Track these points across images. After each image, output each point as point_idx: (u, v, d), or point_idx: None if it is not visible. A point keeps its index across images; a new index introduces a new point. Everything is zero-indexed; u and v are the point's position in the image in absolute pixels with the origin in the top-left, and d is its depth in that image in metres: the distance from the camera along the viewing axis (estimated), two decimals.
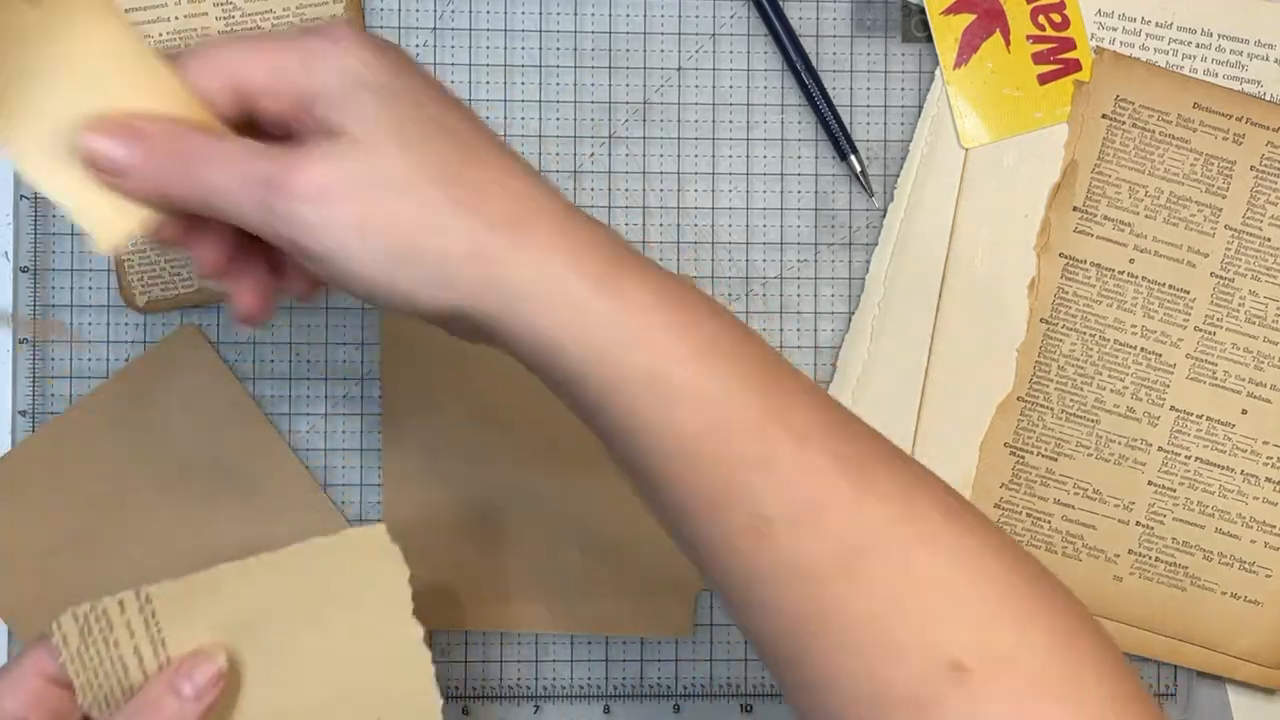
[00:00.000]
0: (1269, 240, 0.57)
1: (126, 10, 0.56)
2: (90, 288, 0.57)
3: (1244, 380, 0.57)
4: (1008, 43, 0.58)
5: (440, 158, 0.37)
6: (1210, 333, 0.57)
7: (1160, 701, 0.59)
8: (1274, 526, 0.57)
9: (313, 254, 0.37)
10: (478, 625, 0.57)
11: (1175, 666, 0.58)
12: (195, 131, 0.38)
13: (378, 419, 0.57)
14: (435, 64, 0.58)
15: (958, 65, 0.58)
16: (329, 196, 0.36)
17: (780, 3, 0.58)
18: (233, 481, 0.56)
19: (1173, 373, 0.57)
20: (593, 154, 0.58)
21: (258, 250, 0.41)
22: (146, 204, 0.39)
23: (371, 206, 0.36)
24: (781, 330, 0.58)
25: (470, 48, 0.58)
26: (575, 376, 0.37)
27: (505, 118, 0.58)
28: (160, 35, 0.56)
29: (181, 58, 0.39)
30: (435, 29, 0.58)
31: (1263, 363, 0.57)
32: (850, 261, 0.58)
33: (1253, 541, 0.57)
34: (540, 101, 0.58)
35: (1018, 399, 0.57)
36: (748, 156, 0.58)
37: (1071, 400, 0.57)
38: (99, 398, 0.55)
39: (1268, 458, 0.57)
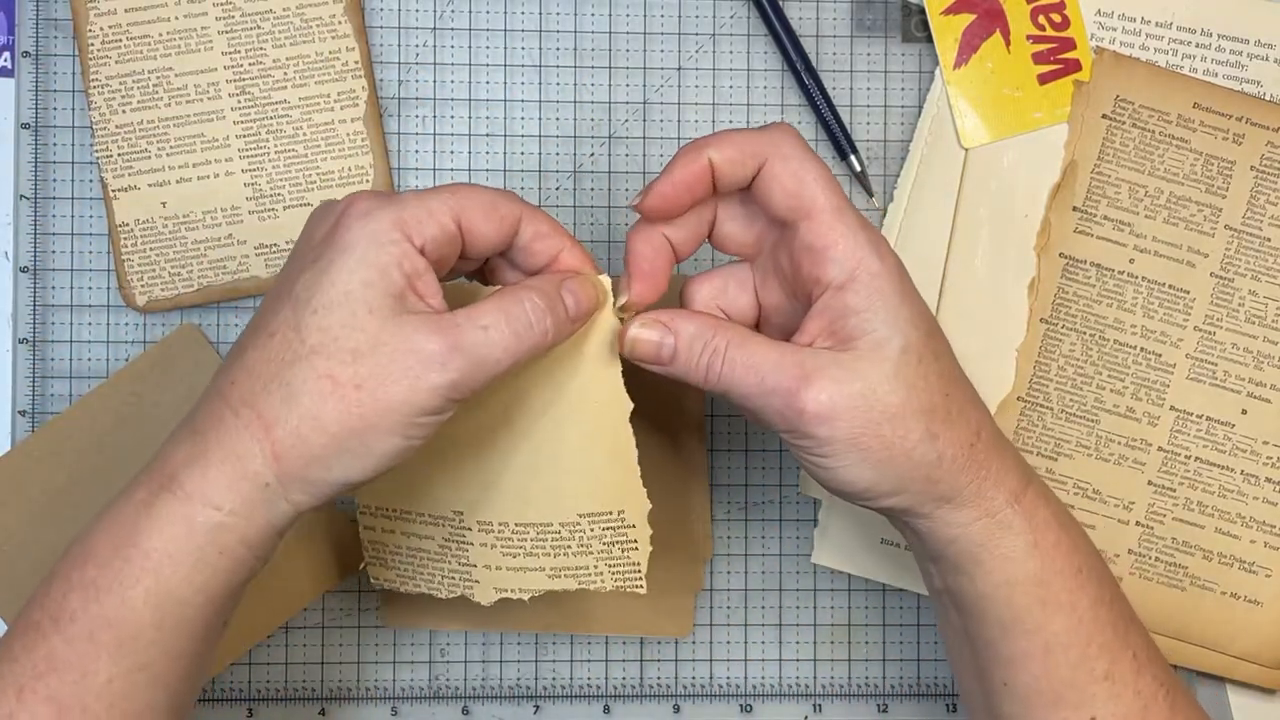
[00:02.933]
0: (1269, 240, 0.57)
1: (126, 10, 0.56)
2: (90, 288, 0.57)
3: (1244, 380, 0.57)
4: (1008, 43, 0.58)
5: (926, 390, 0.43)
6: (1210, 333, 0.57)
7: None
8: (1274, 526, 0.57)
9: (810, 451, 0.44)
10: (478, 625, 0.57)
11: (1175, 666, 0.58)
12: (725, 329, 0.44)
13: None
14: (435, 64, 0.58)
15: (958, 65, 0.58)
16: (834, 419, 0.42)
17: (780, 3, 0.58)
18: None
19: (1173, 373, 0.57)
20: (593, 154, 0.58)
21: None
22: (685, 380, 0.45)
23: (867, 430, 0.42)
24: None
25: (470, 48, 0.58)
26: (971, 564, 0.44)
27: (505, 118, 0.58)
28: (160, 35, 0.56)
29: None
30: (435, 29, 0.58)
31: (1263, 363, 0.57)
32: None
33: (1253, 541, 0.57)
34: (540, 101, 0.58)
35: (1018, 399, 0.57)
36: None
37: (1071, 400, 0.57)
38: (99, 398, 0.55)
39: (1268, 458, 0.57)
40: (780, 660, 0.58)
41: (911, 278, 0.44)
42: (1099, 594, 0.45)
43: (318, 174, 0.56)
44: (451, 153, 0.58)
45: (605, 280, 0.46)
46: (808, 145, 0.44)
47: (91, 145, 0.56)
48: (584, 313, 0.45)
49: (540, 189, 0.58)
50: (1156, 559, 0.57)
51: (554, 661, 0.58)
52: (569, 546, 0.49)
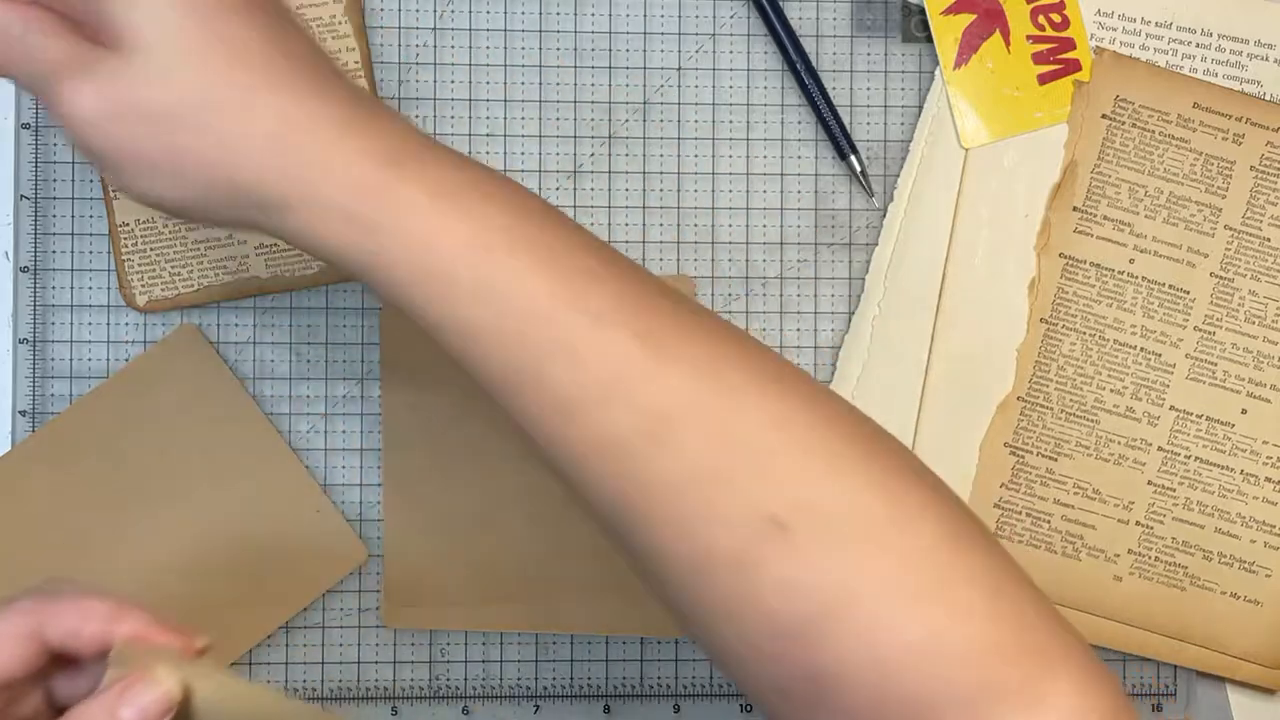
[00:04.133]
0: (1269, 240, 0.57)
1: None
2: (90, 288, 0.57)
3: (1244, 380, 0.57)
4: (1008, 43, 0.58)
5: (225, 85, 0.37)
6: (1210, 333, 0.57)
7: (1160, 701, 0.59)
8: (1274, 526, 0.57)
9: (104, 169, 0.38)
10: (478, 625, 0.57)
11: (1175, 666, 0.58)
12: (28, 13, 0.38)
13: (378, 419, 0.57)
14: (435, 64, 0.58)
15: (958, 65, 0.58)
16: (97, 125, 0.37)
17: (780, 3, 0.58)
18: (233, 481, 0.56)
19: (1172, 373, 0.57)
20: (593, 154, 0.58)
21: None
22: None
23: (141, 136, 0.37)
24: (781, 330, 0.58)
25: (470, 48, 0.58)
26: (359, 275, 0.38)
27: (505, 118, 0.58)
28: None
29: None
30: (435, 29, 0.58)
31: (1262, 363, 0.57)
32: (850, 261, 0.58)
33: (1252, 541, 0.57)
34: (540, 101, 0.58)
35: (1018, 399, 0.57)
36: (748, 156, 0.58)
37: (1071, 400, 0.57)
38: (99, 398, 0.55)
39: (1267, 457, 0.57)
40: None
41: None
42: (521, 260, 0.37)
43: None
44: None
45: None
46: None
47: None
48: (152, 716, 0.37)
49: (540, 189, 0.58)
50: (1156, 559, 0.57)
51: (554, 661, 0.58)
52: None
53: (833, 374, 0.58)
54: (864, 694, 0.37)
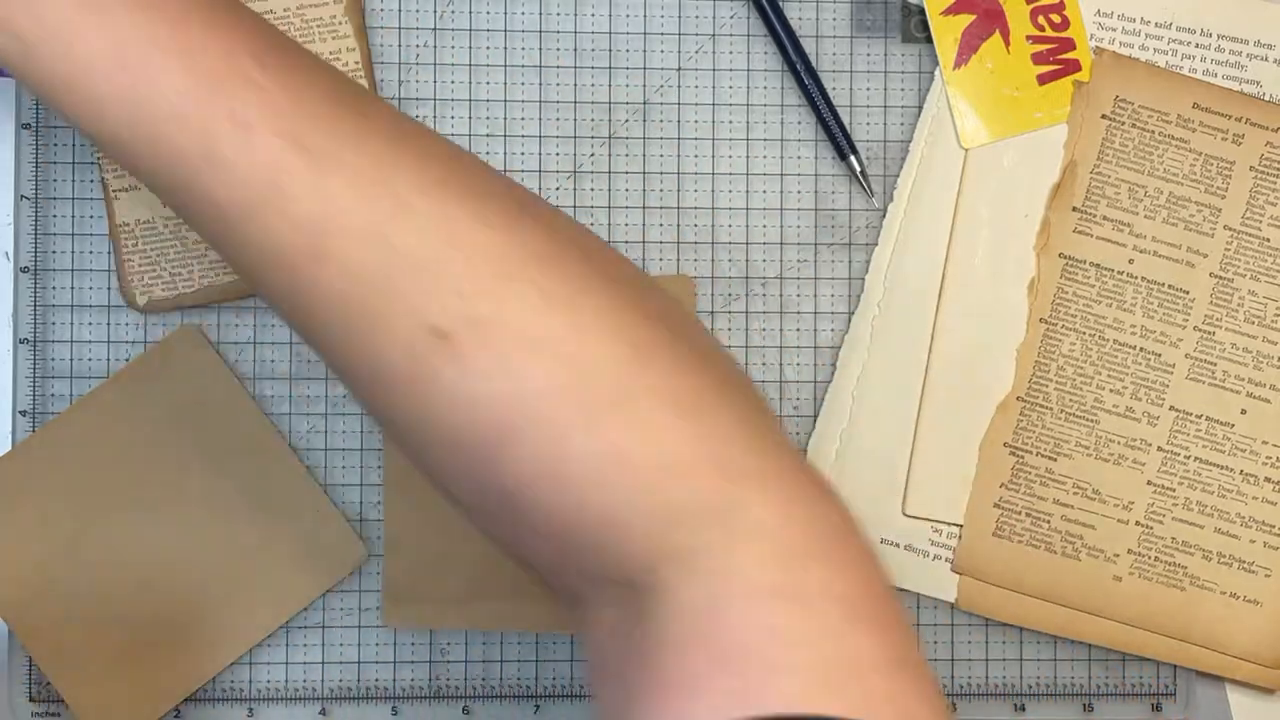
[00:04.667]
0: (1268, 240, 0.57)
1: None
2: (90, 288, 0.57)
3: (1243, 380, 0.57)
4: (1007, 43, 0.58)
5: None
6: (1209, 333, 0.57)
7: (1160, 701, 0.59)
8: (1273, 526, 0.57)
9: None
10: (478, 625, 0.57)
11: (1175, 666, 0.58)
12: None
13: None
14: (435, 64, 0.58)
15: (957, 65, 0.58)
16: None
17: (780, 3, 0.58)
18: (233, 481, 0.56)
19: (1172, 373, 0.57)
20: (593, 154, 0.58)
21: None
22: None
23: None
24: (781, 330, 0.58)
25: (470, 48, 0.58)
26: (20, 78, 0.37)
27: (505, 118, 0.58)
28: None
29: None
30: (435, 29, 0.58)
31: (1262, 363, 0.57)
32: (850, 261, 0.58)
33: (1252, 541, 0.57)
34: (540, 101, 0.58)
35: (1017, 399, 0.57)
36: (748, 156, 0.58)
37: (1071, 400, 0.57)
38: (99, 397, 0.55)
39: (1267, 457, 0.57)
40: None
41: None
42: (159, 69, 0.36)
43: None
44: None
45: None
46: None
47: (92, 145, 0.56)
48: None
49: (540, 189, 0.58)
50: (1156, 559, 0.57)
51: (554, 661, 0.58)
52: None
53: (832, 374, 0.58)
54: (549, 512, 0.36)
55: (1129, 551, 0.57)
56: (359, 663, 0.57)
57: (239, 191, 0.36)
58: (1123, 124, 0.57)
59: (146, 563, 0.55)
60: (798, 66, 0.58)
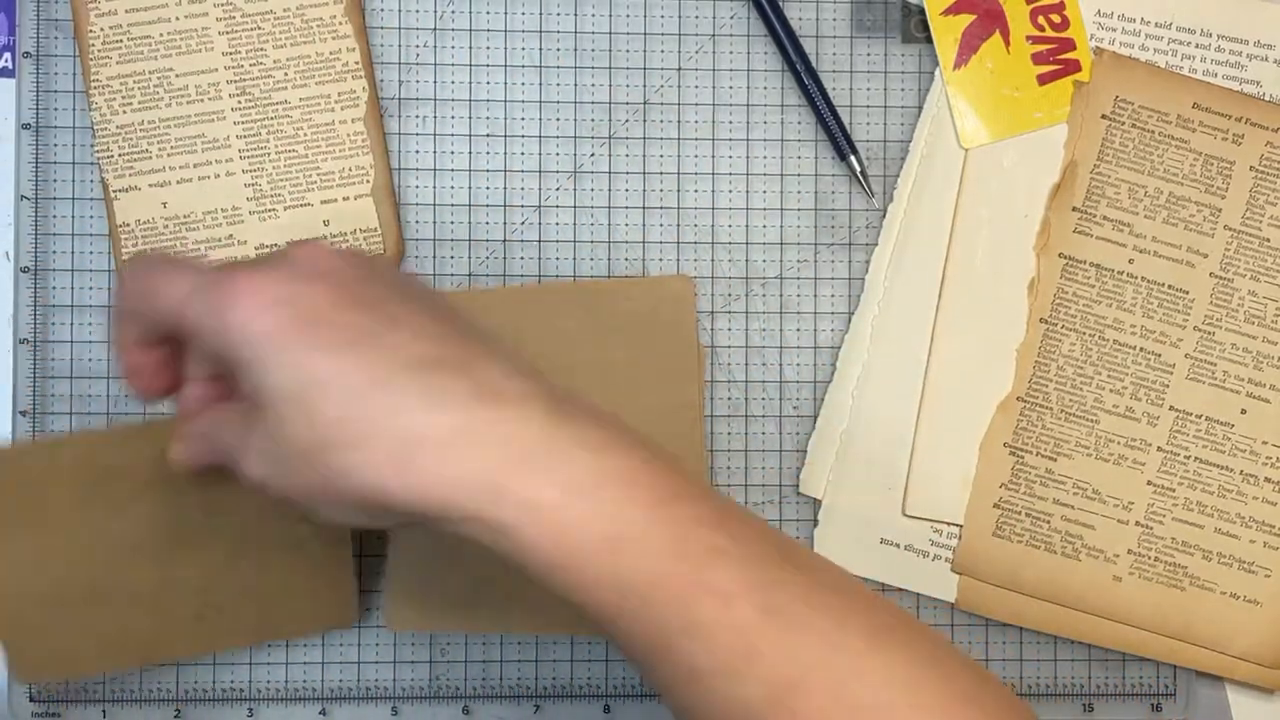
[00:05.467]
0: (1268, 240, 0.57)
1: (126, 11, 0.56)
2: (90, 288, 0.57)
3: (1243, 380, 0.57)
4: (1007, 43, 0.58)
5: (311, 427, 0.40)
6: (1209, 333, 0.57)
7: (1160, 701, 0.59)
8: (1273, 526, 0.57)
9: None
10: (480, 629, 0.57)
11: (1175, 666, 0.58)
12: (212, 417, 0.45)
13: None
14: (435, 64, 0.58)
15: (957, 66, 0.58)
16: (268, 488, 0.42)
17: (780, 3, 0.58)
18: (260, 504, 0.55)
19: (1172, 373, 0.57)
20: (593, 154, 0.58)
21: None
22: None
23: (289, 482, 0.41)
24: (781, 330, 0.58)
25: (470, 48, 0.58)
26: (510, 563, 0.41)
27: (505, 118, 0.58)
28: (161, 35, 0.56)
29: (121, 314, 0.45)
30: (435, 29, 0.58)
31: (1262, 363, 0.57)
32: (850, 261, 0.58)
33: (1252, 541, 0.57)
34: (540, 102, 0.58)
35: (1017, 399, 0.57)
36: (748, 157, 0.58)
37: (1071, 400, 0.57)
38: (136, 435, 0.53)
39: (1267, 458, 0.57)
40: None
41: (318, 316, 0.40)
42: (647, 549, 0.40)
43: (318, 174, 0.56)
44: (451, 153, 0.58)
45: None
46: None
47: (92, 146, 0.56)
48: None
49: (540, 189, 0.58)
50: (1156, 559, 0.57)
51: (554, 661, 0.58)
52: None
53: (832, 374, 0.58)
54: None
55: (1129, 551, 0.57)
56: (359, 663, 0.57)
57: (717, 657, 0.39)
58: (1123, 124, 0.57)
59: (152, 564, 0.55)
60: (798, 66, 0.58)
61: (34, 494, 0.53)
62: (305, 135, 0.56)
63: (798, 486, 0.58)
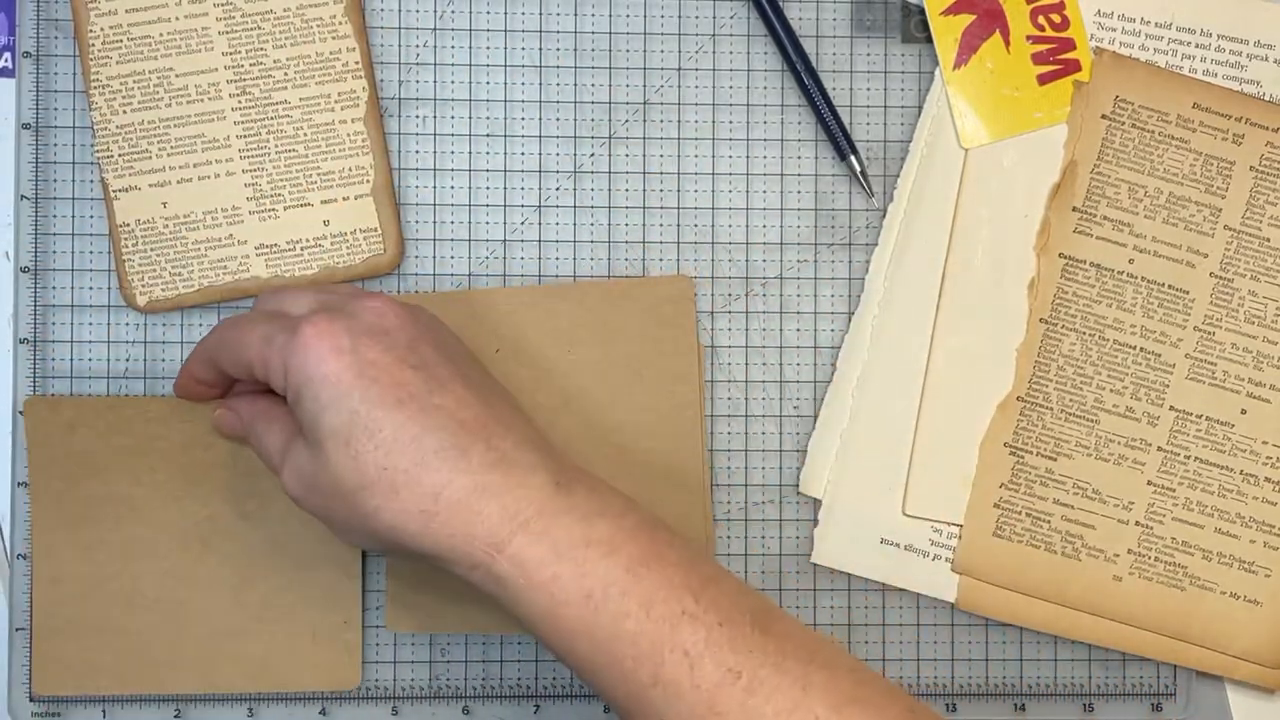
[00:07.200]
0: (1268, 240, 0.57)
1: (126, 10, 0.56)
2: (90, 288, 0.57)
3: (1243, 380, 0.57)
4: (1007, 43, 0.58)
5: (357, 468, 0.45)
6: (1210, 333, 0.57)
7: (1160, 701, 0.59)
8: (1273, 526, 0.57)
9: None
10: (481, 630, 0.57)
11: (1175, 666, 0.58)
12: (261, 411, 0.52)
13: None
14: (435, 64, 0.58)
15: (957, 65, 0.58)
16: (300, 502, 0.48)
17: (780, 3, 0.58)
18: (289, 535, 0.56)
19: (1172, 373, 0.57)
20: (593, 154, 0.58)
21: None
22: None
23: (327, 507, 0.47)
24: (781, 330, 0.58)
25: (470, 48, 0.58)
26: (506, 607, 0.47)
27: (505, 118, 0.58)
28: (161, 35, 0.56)
29: (186, 360, 0.53)
30: (435, 29, 0.58)
31: (1262, 363, 0.57)
32: (850, 261, 0.58)
33: (1252, 541, 0.57)
34: (540, 102, 0.58)
35: (1017, 399, 0.57)
36: (748, 157, 0.58)
37: (1071, 400, 0.57)
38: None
39: (1267, 458, 0.57)
40: None
41: (375, 358, 0.46)
42: (622, 609, 0.45)
43: (318, 174, 0.56)
44: (451, 153, 0.58)
45: None
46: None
47: (92, 145, 0.56)
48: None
49: (540, 189, 0.58)
50: (1156, 559, 0.57)
51: (554, 661, 0.58)
52: None
53: (832, 374, 0.58)
54: None
55: (1129, 551, 0.57)
56: (359, 663, 0.57)
57: (682, 710, 0.44)
58: (1123, 124, 0.57)
59: (154, 571, 0.55)
60: (798, 66, 0.58)
61: (89, 456, 0.55)
62: (305, 135, 0.56)
63: (798, 486, 0.58)
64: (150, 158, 0.56)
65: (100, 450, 0.55)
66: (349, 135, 0.57)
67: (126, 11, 0.56)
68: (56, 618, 0.55)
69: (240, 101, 0.56)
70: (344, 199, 0.57)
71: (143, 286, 0.56)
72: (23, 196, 0.57)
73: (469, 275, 0.58)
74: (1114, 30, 0.58)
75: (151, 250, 0.56)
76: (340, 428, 0.45)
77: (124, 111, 0.56)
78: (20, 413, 0.56)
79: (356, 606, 0.56)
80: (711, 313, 0.58)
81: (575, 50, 0.58)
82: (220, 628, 0.55)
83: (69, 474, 0.55)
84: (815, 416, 0.58)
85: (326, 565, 0.55)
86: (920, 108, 0.58)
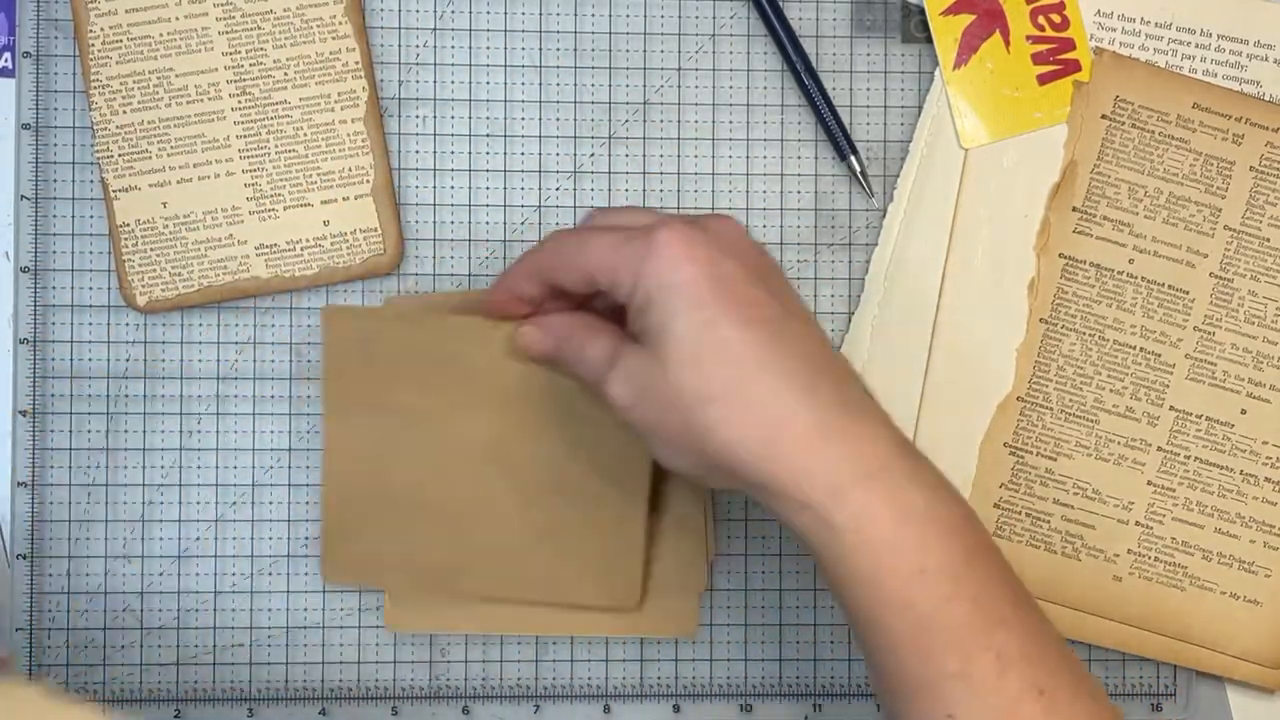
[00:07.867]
0: (1268, 240, 0.57)
1: (126, 10, 0.56)
2: (90, 288, 0.57)
3: (1243, 380, 0.57)
4: (1007, 43, 0.58)
5: (704, 379, 0.43)
6: (1209, 333, 0.57)
7: (1160, 701, 0.59)
8: (1273, 526, 0.57)
9: (637, 435, 0.46)
10: (480, 629, 0.57)
11: (1175, 666, 0.58)
12: (581, 327, 0.48)
13: None
14: (435, 64, 0.58)
15: (957, 65, 0.58)
16: (629, 410, 0.45)
17: (780, 3, 0.58)
18: (585, 468, 0.54)
19: (1172, 373, 0.57)
20: (593, 154, 0.58)
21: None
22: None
23: (657, 418, 0.45)
24: None
25: (470, 48, 0.58)
26: (814, 554, 0.44)
27: (505, 118, 0.58)
28: (160, 35, 0.56)
29: (505, 274, 0.50)
30: (435, 29, 0.58)
31: (1262, 363, 0.57)
32: (850, 261, 0.58)
33: (1252, 541, 0.57)
34: (540, 102, 0.58)
35: (1017, 399, 0.57)
36: (748, 157, 0.58)
37: (1071, 400, 0.57)
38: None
39: (1267, 458, 0.57)
40: (780, 660, 0.58)
41: (732, 270, 0.44)
42: (951, 592, 0.43)
43: (318, 174, 0.57)
44: (451, 153, 0.58)
45: None
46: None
47: (92, 145, 0.56)
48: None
49: (540, 189, 0.58)
50: (1156, 559, 0.57)
51: (554, 661, 0.58)
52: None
53: None
54: None
55: (1129, 551, 0.57)
56: (359, 663, 0.57)
57: (977, 708, 0.43)
58: (1123, 124, 0.57)
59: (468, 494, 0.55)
60: (798, 66, 0.58)
61: (383, 366, 0.54)
62: (305, 135, 0.56)
63: None
64: (150, 158, 0.56)
65: (394, 362, 0.54)
66: (349, 135, 0.57)
67: (126, 11, 0.56)
68: (344, 516, 0.54)
69: (240, 101, 0.56)
70: (344, 199, 0.57)
71: (143, 286, 0.56)
72: (23, 196, 0.57)
73: (469, 275, 0.58)
74: (1114, 30, 0.58)
75: (151, 250, 0.56)
76: (690, 337, 0.43)
77: (124, 111, 0.56)
78: (21, 413, 0.56)
79: (640, 536, 0.54)
80: None
81: (575, 50, 0.58)
82: (504, 543, 0.54)
83: (363, 379, 0.54)
84: None
85: (611, 496, 0.54)
86: (920, 108, 0.58)
